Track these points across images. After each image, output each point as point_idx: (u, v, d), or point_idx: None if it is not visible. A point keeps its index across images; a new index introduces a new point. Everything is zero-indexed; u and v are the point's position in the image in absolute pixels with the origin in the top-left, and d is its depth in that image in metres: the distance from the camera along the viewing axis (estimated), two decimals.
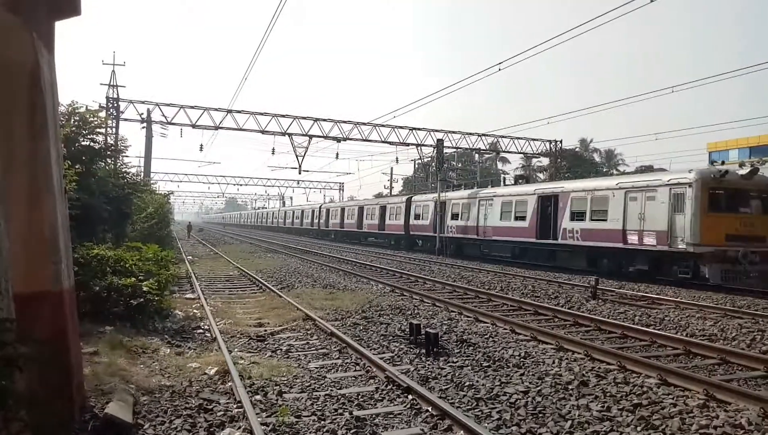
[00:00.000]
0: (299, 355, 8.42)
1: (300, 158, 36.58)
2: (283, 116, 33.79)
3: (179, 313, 11.65)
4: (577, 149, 55.83)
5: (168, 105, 31.83)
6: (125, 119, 31.56)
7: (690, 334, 10.18)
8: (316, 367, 7.67)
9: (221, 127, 32.77)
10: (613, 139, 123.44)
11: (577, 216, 21.53)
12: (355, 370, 7.55)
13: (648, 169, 42.48)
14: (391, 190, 61.33)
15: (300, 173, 40.96)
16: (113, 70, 31.32)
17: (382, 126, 35.42)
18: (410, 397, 6.26)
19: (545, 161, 46.36)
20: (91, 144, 16.04)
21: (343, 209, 51.54)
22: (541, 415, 5.79)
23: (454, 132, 37.78)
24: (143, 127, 33.47)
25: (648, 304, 13.57)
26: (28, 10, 4.91)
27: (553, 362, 7.94)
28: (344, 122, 35.27)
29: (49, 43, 5.39)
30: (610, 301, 14.01)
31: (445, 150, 37.84)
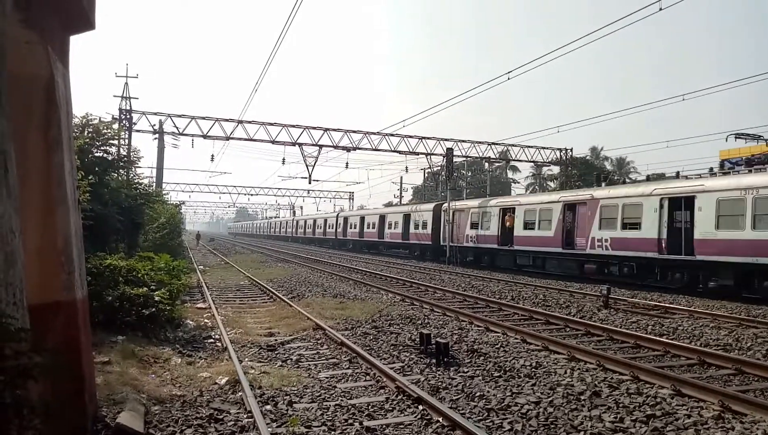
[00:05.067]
0: (309, 364, 8.42)
1: (310, 168, 36.74)
2: (293, 126, 33.98)
3: (190, 322, 11.71)
4: (587, 157, 55.50)
5: (180, 116, 32.14)
6: (138, 130, 31.90)
7: (704, 343, 10.05)
8: (326, 377, 7.66)
9: (232, 138, 33.00)
10: (624, 147, 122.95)
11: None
12: (365, 380, 7.53)
13: (660, 177, 42.13)
14: (401, 200, 61.28)
15: (310, 183, 41.09)
16: (126, 83, 31.74)
17: (392, 135, 35.46)
18: (421, 407, 6.23)
19: (555, 169, 46.16)
20: (105, 155, 16.24)
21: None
22: (553, 426, 5.74)
23: (463, 141, 37.73)
24: (155, 138, 33.87)
25: (661, 314, 13.43)
26: (43, 25, 5.00)
27: (565, 372, 7.87)
28: (354, 132, 35.37)
29: (64, 56, 5.48)
30: (623, 311, 13.88)
31: (455, 159, 37.79)
